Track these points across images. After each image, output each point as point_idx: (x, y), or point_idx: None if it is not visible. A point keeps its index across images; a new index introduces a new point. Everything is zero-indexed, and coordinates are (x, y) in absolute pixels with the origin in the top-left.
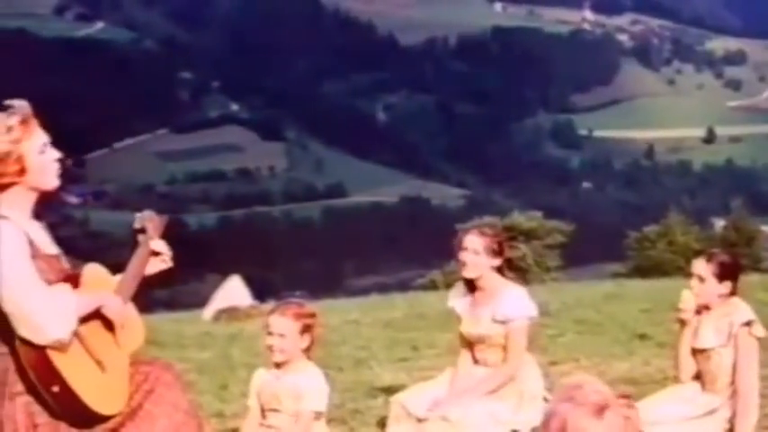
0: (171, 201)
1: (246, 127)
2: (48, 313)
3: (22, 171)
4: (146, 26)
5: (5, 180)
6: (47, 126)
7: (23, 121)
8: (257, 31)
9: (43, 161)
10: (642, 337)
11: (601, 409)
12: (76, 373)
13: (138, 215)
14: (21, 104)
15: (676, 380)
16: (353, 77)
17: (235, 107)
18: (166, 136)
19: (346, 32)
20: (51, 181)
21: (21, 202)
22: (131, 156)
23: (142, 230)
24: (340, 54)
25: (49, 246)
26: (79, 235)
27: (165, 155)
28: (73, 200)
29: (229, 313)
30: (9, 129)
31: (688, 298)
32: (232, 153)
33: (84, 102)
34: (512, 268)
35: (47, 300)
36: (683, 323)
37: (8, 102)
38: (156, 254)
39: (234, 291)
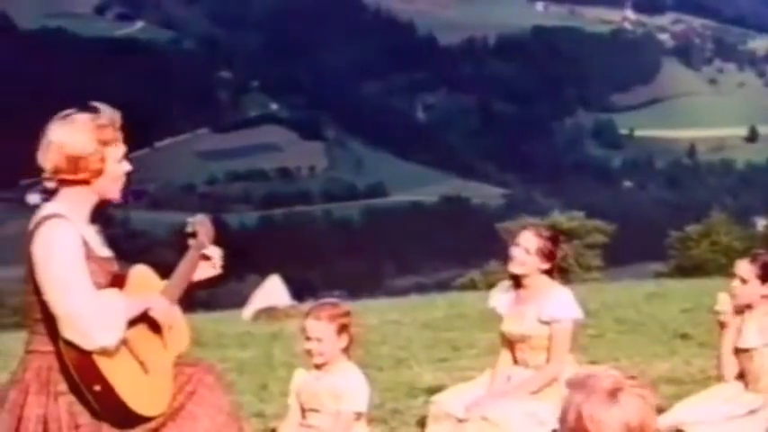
0: (211, 200)
1: (286, 126)
2: (97, 320)
3: (99, 173)
4: (186, 26)
5: (82, 176)
6: None
7: (114, 126)
8: (297, 31)
9: (118, 170)
10: (683, 336)
11: (614, 393)
12: (119, 373)
13: (190, 219)
14: (108, 108)
15: (718, 379)
16: (393, 77)
17: (275, 107)
18: (207, 135)
19: (386, 32)
20: (116, 191)
21: (82, 202)
22: (172, 155)
23: (193, 234)
24: (380, 53)
25: (101, 248)
26: (120, 235)
27: (206, 154)
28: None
29: (269, 313)
30: (101, 127)
31: (724, 300)
32: (272, 152)
33: (124, 101)
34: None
35: (96, 306)
36: (722, 325)
37: (96, 104)
38: (205, 258)
39: (273, 290)
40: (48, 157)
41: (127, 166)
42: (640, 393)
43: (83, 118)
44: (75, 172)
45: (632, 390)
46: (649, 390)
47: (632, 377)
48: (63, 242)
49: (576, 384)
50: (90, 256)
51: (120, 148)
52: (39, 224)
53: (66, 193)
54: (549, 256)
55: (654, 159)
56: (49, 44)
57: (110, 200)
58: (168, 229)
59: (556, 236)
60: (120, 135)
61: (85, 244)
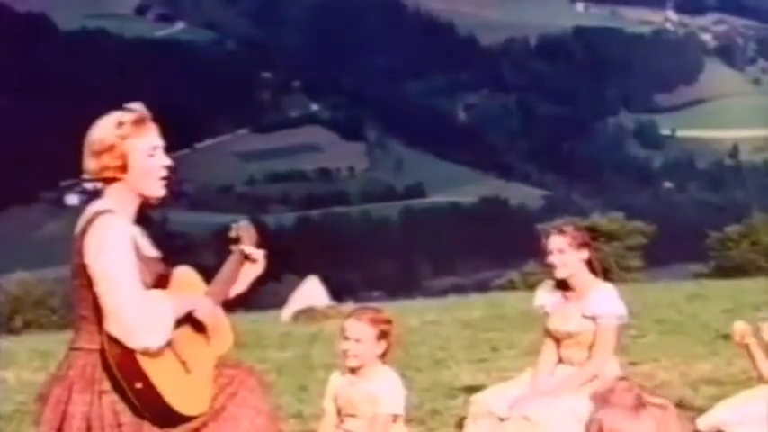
0: (250, 201)
1: (327, 127)
2: (144, 320)
3: (123, 168)
4: (226, 26)
5: (107, 174)
6: None
7: (136, 121)
8: (338, 31)
9: (148, 164)
10: (725, 337)
11: (636, 409)
12: (161, 372)
13: (234, 224)
14: (138, 107)
15: (760, 380)
16: (434, 77)
17: (315, 107)
18: (247, 136)
19: (426, 32)
20: (154, 187)
21: (126, 201)
22: (212, 156)
23: (236, 240)
24: (420, 54)
25: (149, 248)
26: (158, 235)
27: (246, 155)
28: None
29: (308, 314)
30: (120, 124)
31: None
32: (312, 153)
33: (165, 102)
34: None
35: (145, 305)
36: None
37: (128, 105)
38: (248, 260)
39: (312, 291)
40: (85, 158)
41: (164, 160)
42: (660, 412)
43: (108, 116)
44: (100, 170)
45: (653, 408)
46: (671, 408)
47: (656, 399)
48: (117, 237)
49: (599, 398)
50: (139, 254)
51: (149, 141)
52: (92, 219)
53: (110, 192)
54: (582, 244)
55: (696, 160)
56: (90, 45)
57: (154, 198)
58: (207, 230)
59: (579, 227)
60: (146, 128)
61: (135, 242)
